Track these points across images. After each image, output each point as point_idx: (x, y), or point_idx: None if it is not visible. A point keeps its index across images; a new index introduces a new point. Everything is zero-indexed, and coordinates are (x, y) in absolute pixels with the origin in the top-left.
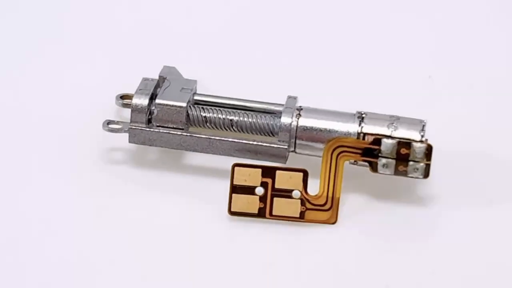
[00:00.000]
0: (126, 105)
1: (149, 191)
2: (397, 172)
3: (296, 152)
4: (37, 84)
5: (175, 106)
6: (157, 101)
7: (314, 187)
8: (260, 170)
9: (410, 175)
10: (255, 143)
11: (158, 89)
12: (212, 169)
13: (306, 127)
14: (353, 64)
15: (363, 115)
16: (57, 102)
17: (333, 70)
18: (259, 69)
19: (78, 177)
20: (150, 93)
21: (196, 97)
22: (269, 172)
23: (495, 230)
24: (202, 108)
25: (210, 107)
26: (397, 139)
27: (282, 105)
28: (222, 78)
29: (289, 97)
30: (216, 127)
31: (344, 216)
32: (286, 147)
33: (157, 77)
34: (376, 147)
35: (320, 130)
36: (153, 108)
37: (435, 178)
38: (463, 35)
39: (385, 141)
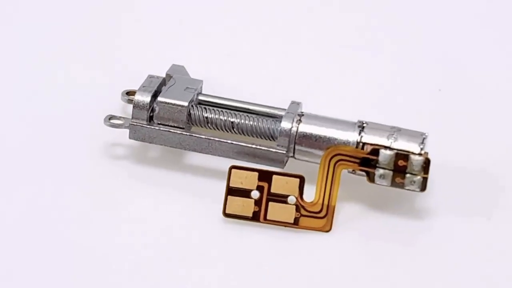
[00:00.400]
0: (131, 101)
1: (146, 188)
2: (394, 184)
3: (295, 158)
4: (44, 78)
5: (177, 105)
6: (159, 99)
7: (310, 194)
8: (256, 173)
9: (407, 188)
10: (253, 146)
11: (163, 87)
12: (211, 169)
13: (306, 133)
14: (363, 73)
15: (364, 125)
16: (66, 97)
17: (344, 79)
18: (271, 72)
19: (77, 171)
20: (153, 91)
21: (200, 97)
22: (265, 176)
23: (491, 246)
24: (204, 108)
25: (213, 108)
26: (395, 151)
27: (285, 109)
28: (231, 80)
29: (293, 102)
30: (217, 128)
31: (339, 224)
32: (284, 152)
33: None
34: (374, 157)
35: (320, 137)
36: (155, 105)
37: (435, 191)
38: (475, 49)
39: (383, 151)
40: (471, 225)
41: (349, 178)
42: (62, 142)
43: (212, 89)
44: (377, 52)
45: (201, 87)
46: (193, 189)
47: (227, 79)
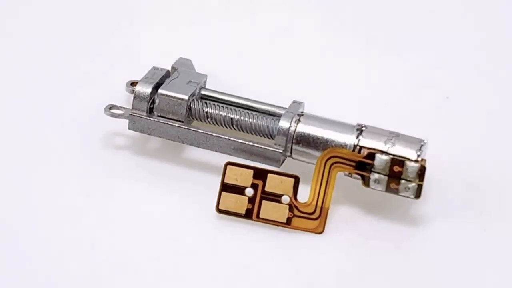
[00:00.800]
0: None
1: (143, 179)
2: (388, 189)
3: (292, 158)
4: (52, 66)
5: (177, 98)
6: (160, 91)
7: (305, 195)
8: (252, 171)
9: (401, 194)
10: (250, 143)
11: (167, 80)
12: (210, 164)
13: (304, 133)
14: (371, 78)
15: (363, 128)
16: (73, 85)
17: (351, 83)
18: (278, 72)
19: (75, 159)
20: (155, 82)
21: (203, 92)
22: (260, 174)
23: (484, 255)
24: (205, 103)
25: (215, 103)
26: (391, 156)
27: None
28: (238, 77)
29: (294, 101)
30: (217, 124)
31: (332, 227)
32: (281, 151)
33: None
34: (370, 161)
35: (317, 138)
36: (156, 97)
37: (432, 198)
38: (485, 58)
39: (378, 156)
40: (466, 235)
41: (346, 180)
42: (64, 130)
43: (218, 85)
44: (386, 58)
45: (205, 82)
46: (190, 183)
47: (234, 76)
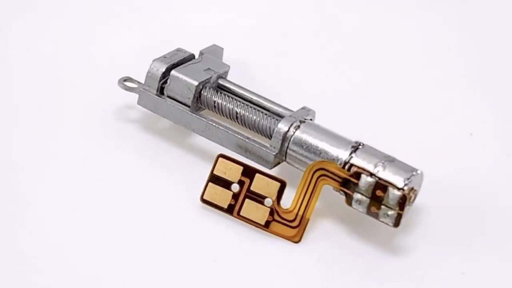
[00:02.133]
0: None
1: (143, 155)
2: (369, 212)
3: (287, 162)
4: (89, 39)
5: (187, 82)
6: (172, 72)
7: (290, 202)
8: (241, 167)
9: (380, 219)
10: (247, 140)
11: (187, 63)
12: (211, 153)
13: (300, 139)
14: (395, 110)
15: (359, 146)
16: (103, 58)
17: (374, 111)
18: (308, 79)
19: (80, 127)
20: (172, 63)
21: (221, 82)
22: (249, 173)
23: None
24: (217, 92)
25: (227, 94)
26: (376, 179)
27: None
28: (267, 74)
29: (303, 108)
30: (223, 115)
31: (310, 238)
32: (274, 153)
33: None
34: (355, 180)
35: (312, 147)
36: (169, 78)
37: (419, 229)
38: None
39: (364, 177)
40: (443, 273)
41: (333, 194)
42: (83, 99)
43: (244, 78)
44: (413, 93)
45: (227, 72)
46: (188, 168)
47: (263, 73)
